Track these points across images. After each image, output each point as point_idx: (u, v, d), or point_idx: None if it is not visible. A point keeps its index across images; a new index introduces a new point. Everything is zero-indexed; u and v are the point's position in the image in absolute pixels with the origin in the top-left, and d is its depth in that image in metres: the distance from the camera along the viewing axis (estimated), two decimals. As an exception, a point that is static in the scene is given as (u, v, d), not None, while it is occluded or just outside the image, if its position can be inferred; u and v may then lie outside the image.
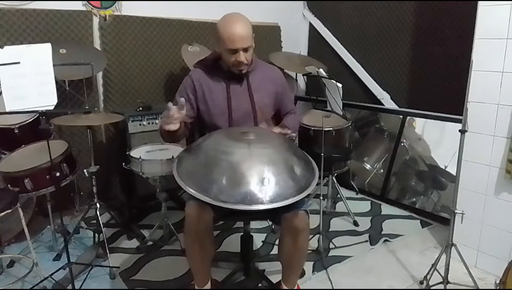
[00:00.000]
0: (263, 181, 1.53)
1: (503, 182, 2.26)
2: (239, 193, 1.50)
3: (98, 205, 2.60)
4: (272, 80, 2.08)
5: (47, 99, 1.83)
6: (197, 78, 2.01)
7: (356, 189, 3.68)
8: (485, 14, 2.23)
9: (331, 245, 2.72)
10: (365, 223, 3.08)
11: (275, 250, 2.64)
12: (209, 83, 2.00)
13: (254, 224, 2.88)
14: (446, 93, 3.30)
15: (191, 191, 1.55)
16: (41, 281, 2.17)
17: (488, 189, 2.34)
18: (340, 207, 3.34)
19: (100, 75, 3.28)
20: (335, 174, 3.19)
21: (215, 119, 1.98)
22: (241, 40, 1.83)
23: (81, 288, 2.17)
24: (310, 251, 2.55)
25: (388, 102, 3.80)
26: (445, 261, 2.12)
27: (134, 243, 2.74)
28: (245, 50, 1.87)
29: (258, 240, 2.75)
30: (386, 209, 3.36)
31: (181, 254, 2.55)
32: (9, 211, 2.10)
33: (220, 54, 1.96)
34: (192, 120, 2.00)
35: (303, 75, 3.45)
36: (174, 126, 1.73)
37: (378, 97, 3.87)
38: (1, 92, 1.77)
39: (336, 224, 3.08)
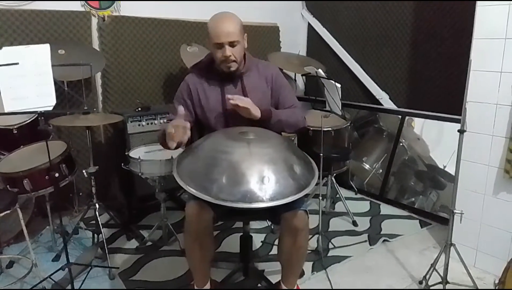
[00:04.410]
0: (263, 180, 1.53)
1: (502, 181, 2.27)
2: (239, 192, 1.51)
3: (97, 205, 2.60)
4: (267, 77, 2.04)
5: (46, 100, 1.83)
6: (192, 82, 2.00)
7: (355, 189, 3.68)
8: (483, 14, 2.23)
9: (330, 245, 2.72)
10: (364, 223, 3.08)
11: (274, 250, 2.64)
12: (204, 87, 1.99)
13: (253, 224, 2.88)
14: (444, 93, 3.31)
15: (192, 190, 1.55)
16: (40, 282, 2.17)
17: (487, 188, 2.34)
18: (339, 207, 3.34)
19: (98, 75, 3.28)
20: (334, 174, 3.20)
21: (212, 123, 1.98)
22: (226, 34, 1.84)
23: (80, 288, 2.17)
24: (309, 251, 2.55)
25: (387, 102, 3.81)
26: (444, 261, 2.12)
27: (133, 243, 2.74)
28: (231, 44, 1.86)
29: (257, 240, 2.76)
30: (385, 209, 3.36)
31: (180, 255, 2.55)
32: (8, 211, 2.10)
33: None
34: (191, 124, 1.97)
35: (302, 75, 3.47)
36: (173, 145, 1.70)
37: (377, 97, 3.88)
38: (-1, 93, 1.78)
39: (335, 224, 3.08)
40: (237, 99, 1.84)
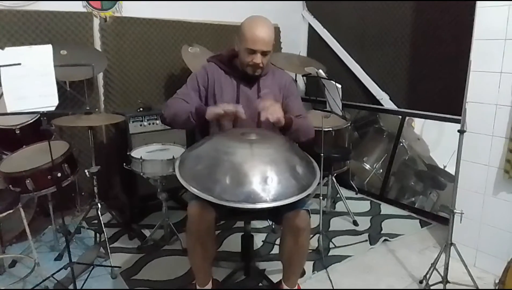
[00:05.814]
0: (266, 180, 1.54)
1: (502, 181, 2.28)
2: (242, 192, 1.51)
3: (99, 205, 2.61)
4: (281, 84, 2.08)
5: (48, 100, 1.85)
6: (211, 71, 2.02)
7: (356, 189, 3.69)
8: (483, 15, 2.24)
9: (331, 245, 2.73)
10: (364, 223, 3.09)
11: (275, 250, 2.65)
12: (221, 79, 2.01)
13: (254, 224, 2.89)
14: (445, 93, 3.32)
15: (195, 191, 1.56)
16: (43, 281, 2.18)
17: (487, 188, 2.35)
18: (339, 206, 3.35)
19: (100, 76, 3.29)
20: (335, 174, 3.20)
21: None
22: (262, 42, 1.86)
23: (83, 287, 2.18)
24: (310, 251, 2.56)
25: (387, 102, 3.81)
26: (445, 260, 2.12)
27: (135, 243, 2.75)
28: (264, 53, 1.89)
29: (258, 239, 2.77)
30: (386, 208, 3.37)
31: (182, 254, 2.56)
32: (11, 211, 2.11)
33: (237, 53, 1.98)
34: None
35: (302, 76, 3.48)
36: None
37: (377, 98, 3.88)
38: (2, 93, 1.78)
39: (336, 223, 3.09)
40: (272, 106, 1.80)
